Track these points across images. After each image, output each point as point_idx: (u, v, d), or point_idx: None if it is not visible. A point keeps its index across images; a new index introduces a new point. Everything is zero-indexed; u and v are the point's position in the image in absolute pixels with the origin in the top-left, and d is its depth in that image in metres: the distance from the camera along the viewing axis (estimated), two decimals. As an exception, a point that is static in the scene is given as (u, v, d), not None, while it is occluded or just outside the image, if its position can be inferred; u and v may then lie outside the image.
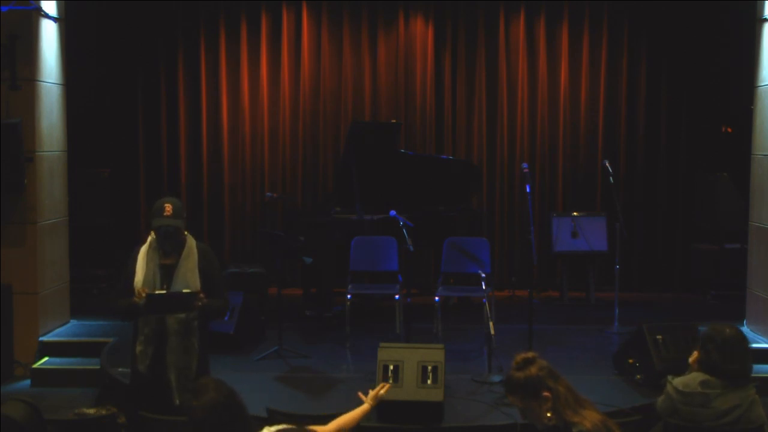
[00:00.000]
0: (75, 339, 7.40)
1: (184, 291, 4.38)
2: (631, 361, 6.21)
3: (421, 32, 9.61)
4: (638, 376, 6.11)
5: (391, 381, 5.34)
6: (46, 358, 7.16)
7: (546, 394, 3.14)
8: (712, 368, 3.87)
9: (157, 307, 4.38)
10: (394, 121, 9.22)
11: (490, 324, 6.02)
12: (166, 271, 4.47)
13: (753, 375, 4.01)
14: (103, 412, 3.29)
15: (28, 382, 6.90)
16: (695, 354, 4.01)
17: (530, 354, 3.25)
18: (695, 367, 3.99)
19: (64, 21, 7.70)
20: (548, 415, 3.15)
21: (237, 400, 3.19)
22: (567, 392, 3.16)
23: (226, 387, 3.21)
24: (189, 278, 4.45)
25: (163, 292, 4.39)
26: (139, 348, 4.45)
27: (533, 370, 3.18)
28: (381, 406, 5.31)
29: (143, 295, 4.33)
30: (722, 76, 9.38)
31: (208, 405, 3.10)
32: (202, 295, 4.40)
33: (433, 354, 5.51)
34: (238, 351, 6.87)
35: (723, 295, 8.83)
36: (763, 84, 7.45)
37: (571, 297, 9.07)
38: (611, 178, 7.78)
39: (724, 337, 3.89)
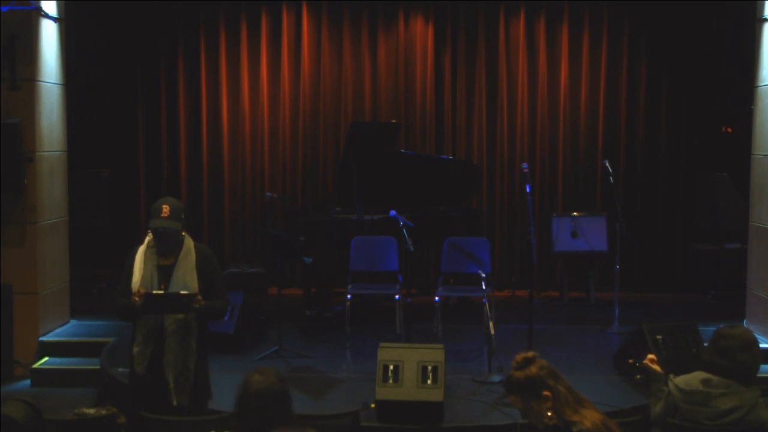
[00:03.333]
0: (75, 339, 7.41)
1: (182, 293, 4.37)
2: (631, 361, 6.21)
3: (421, 32, 9.61)
4: (638, 376, 6.11)
5: (390, 381, 5.35)
6: (46, 358, 7.16)
7: (546, 393, 3.14)
8: (717, 368, 3.86)
9: (154, 307, 4.37)
10: (394, 121, 9.22)
11: (490, 324, 6.02)
12: (164, 271, 4.46)
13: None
14: (103, 412, 3.28)
15: (28, 382, 6.92)
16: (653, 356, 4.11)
17: (530, 353, 3.25)
18: (654, 365, 4.05)
19: (64, 21, 7.70)
20: (549, 414, 3.15)
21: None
22: (567, 392, 3.16)
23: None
24: (187, 279, 4.44)
25: (161, 292, 4.38)
26: (136, 349, 4.44)
27: (533, 369, 3.18)
28: (381, 406, 5.33)
29: (142, 293, 4.32)
30: (722, 76, 9.38)
31: (273, 381, 3.14)
32: (199, 297, 4.39)
33: (433, 354, 5.51)
34: (238, 351, 6.86)
35: (723, 295, 8.83)
36: (763, 84, 7.45)
37: (571, 297, 9.07)
38: (611, 178, 7.78)
39: (734, 338, 3.88)
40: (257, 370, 3.23)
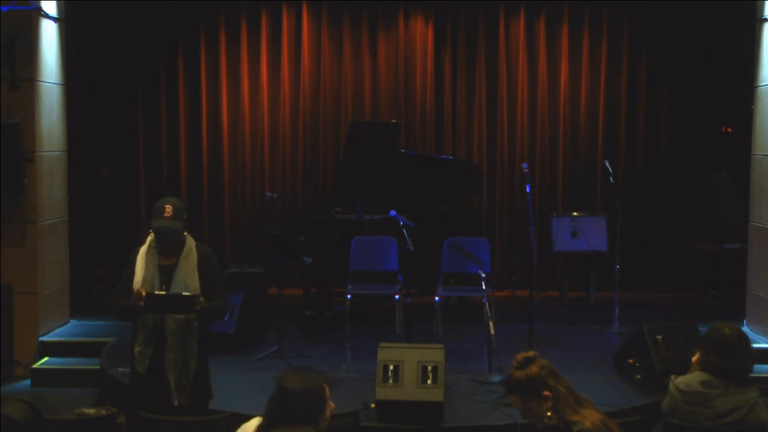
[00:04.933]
0: (75, 339, 7.41)
1: (184, 294, 4.37)
2: (631, 361, 6.21)
3: (421, 32, 9.61)
4: (638, 376, 6.11)
5: (390, 381, 5.35)
6: (46, 358, 7.16)
7: (546, 393, 3.14)
8: (712, 368, 3.87)
9: (156, 307, 4.38)
10: (394, 121, 9.22)
11: (490, 324, 6.02)
12: (165, 271, 4.46)
13: (753, 375, 4.00)
14: (103, 412, 3.28)
15: (28, 382, 6.91)
16: (698, 354, 4.01)
17: (531, 353, 3.25)
18: (697, 367, 3.99)
19: (64, 21, 7.70)
20: (548, 414, 3.15)
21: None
22: (567, 392, 3.16)
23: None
24: (188, 279, 4.44)
25: (163, 293, 4.38)
26: (137, 349, 4.44)
27: (534, 369, 3.18)
28: (381, 406, 5.33)
29: (143, 294, 4.32)
30: (722, 76, 9.38)
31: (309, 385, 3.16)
32: (201, 299, 4.39)
33: (433, 354, 5.51)
34: (238, 351, 6.86)
35: (723, 295, 8.83)
36: (763, 84, 7.45)
37: (571, 297, 9.07)
38: (611, 178, 7.78)
39: (724, 337, 3.89)
40: (295, 373, 3.24)
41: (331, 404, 3.26)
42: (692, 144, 9.65)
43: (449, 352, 5.88)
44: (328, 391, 3.25)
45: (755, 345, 6.79)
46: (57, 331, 7.54)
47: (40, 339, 7.23)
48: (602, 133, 9.62)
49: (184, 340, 4.42)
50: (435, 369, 5.39)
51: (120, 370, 6.14)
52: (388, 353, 5.49)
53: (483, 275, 6.85)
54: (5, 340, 6.91)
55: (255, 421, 3.31)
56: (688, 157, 9.64)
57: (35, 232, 7.22)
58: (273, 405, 3.15)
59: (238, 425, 3.52)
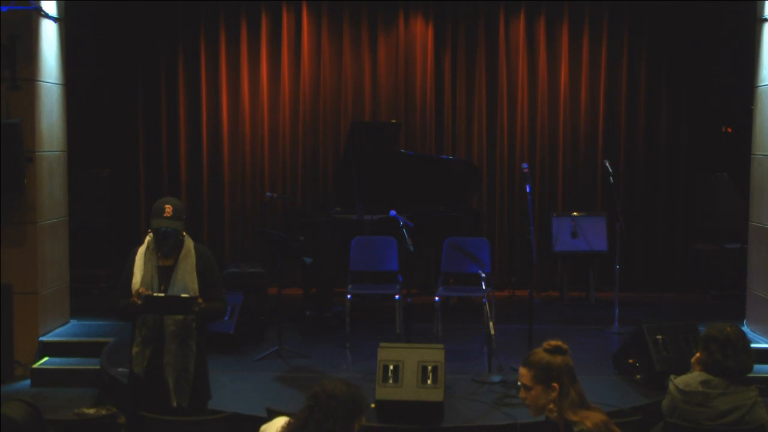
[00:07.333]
0: (75, 339, 7.41)
1: (182, 296, 4.35)
2: (631, 361, 6.22)
3: (421, 32, 9.61)
4: (638, 376, 6.11)
5: (390, 381, 5.35)
6: (46, 358, 7.16)
7: (555, 385, 3.16)
8: (715, 367, 3.87)
9: (154, 309, 4.37)
10: (394, 121, 9.22)
11: (490, 324, 6.02)
12: (163, 272, 4.44)
13: (753, 375, 4.01)
14: (103, 412, 3.29)
15: (28, 382, 6.91)
16: (697, 355, 4.02)
17: (565, 346, 3.27)
18: (697, 368, 4.00)
19: (64, 21, 7.70)
20: (550, 407, 3.16)
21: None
22: (576, 395, 3.17)
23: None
24: (187, 280, 4.43)
25: (162, 295, 4.37)
26: (135, 350, 4.43)
27: (558, 359, 3.21)
28: (381, 406, 5.33)
29: (142, 294, 4.32)
30: (722, 76, 9.39)
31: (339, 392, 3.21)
32: (200, 300, 4.38)
33: (433, 354, 5.51)
34: (238, 351, 6.87)
35: (723, 295, 8.83)
36: (763, 84, 7.45)
37: (571, 297, 9.07)
38: (611, 178, 7.77)
39: (727, 336, 3.89)
40: (338, 378, 3.30)
41: (364, 419, 3.29)
42: (692, 144, 9.65)
43: (449, 352, 5.88)
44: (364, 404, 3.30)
45: (755, 345, 6.80)
46: (57, 331, 7.54)
47: (40, 339, 7.23)
48: (602, 133, 9.62)
49: (183, 342, 4.41)
50: (435, 369, 5.40)
51: (120, 370, 6.14)
52: (388, 353, 5.50)
53: (483, 275, 6.86)
54: (5, 340, 6.91)
55: (280, 421, 3.32)
56: (688, 157, 9.64)
57: (35, 232, 7.22)
58: (313, 402, 3.20)
59: (238, 425, 3.52)
